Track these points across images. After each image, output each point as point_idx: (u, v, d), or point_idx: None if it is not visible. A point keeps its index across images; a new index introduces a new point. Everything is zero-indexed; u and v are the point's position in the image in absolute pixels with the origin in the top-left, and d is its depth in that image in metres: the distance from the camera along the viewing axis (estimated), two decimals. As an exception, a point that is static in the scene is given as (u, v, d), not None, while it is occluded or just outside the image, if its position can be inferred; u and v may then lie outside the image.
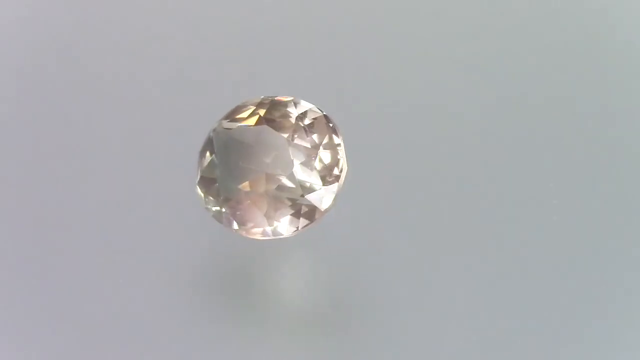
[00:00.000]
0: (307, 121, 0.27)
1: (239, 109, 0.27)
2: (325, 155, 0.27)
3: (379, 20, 0.35)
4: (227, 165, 0.26)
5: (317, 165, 0.26)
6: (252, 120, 0.26)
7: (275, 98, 0.27)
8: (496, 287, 0.28)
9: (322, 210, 0.27)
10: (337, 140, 0.27)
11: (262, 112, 0.27)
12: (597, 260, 0.28)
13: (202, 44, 0.34)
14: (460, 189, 0.30)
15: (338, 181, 0.27)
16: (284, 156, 0.26)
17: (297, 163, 0.26)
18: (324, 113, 0.27)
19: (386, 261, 0.28)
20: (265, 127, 0.26)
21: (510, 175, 0.30)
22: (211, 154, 0.27)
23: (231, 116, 0.27)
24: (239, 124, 0.26)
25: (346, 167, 0.27)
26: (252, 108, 0.27)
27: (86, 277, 0.28)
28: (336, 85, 0.32)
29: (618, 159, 0.30)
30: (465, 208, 0.29)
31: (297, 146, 0.26)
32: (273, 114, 0.27)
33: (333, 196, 0.27)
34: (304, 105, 0.27)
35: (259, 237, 0.27)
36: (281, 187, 0.26)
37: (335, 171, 0.27)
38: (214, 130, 0.27)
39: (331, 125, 0.27)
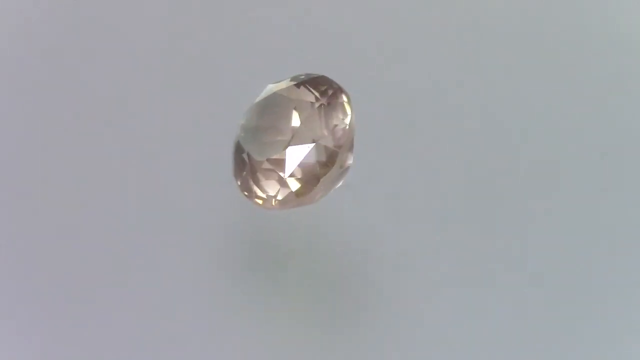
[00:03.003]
0: (339, 116, 0.27)
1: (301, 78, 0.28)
2: (342, 151, 0.27)
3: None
4: (258, 118, 0.27)
5: (330, 155, 0.27)
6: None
7: (334, 86, 0.27)
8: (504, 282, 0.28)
9: (312, 197, 0.27)
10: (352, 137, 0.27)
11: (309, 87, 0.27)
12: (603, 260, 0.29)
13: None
14: (467, 181, 0.30)
15: (341, 175, 0.27)
16: (309, 130, 0.27)
17: (315, 141, 0.27)
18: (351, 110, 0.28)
19: (386, 254, 0.28)
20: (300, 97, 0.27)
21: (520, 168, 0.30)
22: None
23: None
24: (287, 86, 0.27)
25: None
26: (305, 81, 0.27)
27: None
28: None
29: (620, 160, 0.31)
30: (473, 200, 0.30)
31: (320, 131, 0.27)
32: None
33: (331, 187, 0.27)
34: (345, 98, 0.27)
35: (248, 199, 0.27)
36: (282, 162, 0.27)
37: (343, 165, 0.27)
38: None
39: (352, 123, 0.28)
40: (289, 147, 0.26)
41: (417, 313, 0.27)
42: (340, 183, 0.28)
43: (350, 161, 0.27)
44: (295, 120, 0.27)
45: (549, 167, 0.30)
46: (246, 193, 0.27)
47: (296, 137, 0.27)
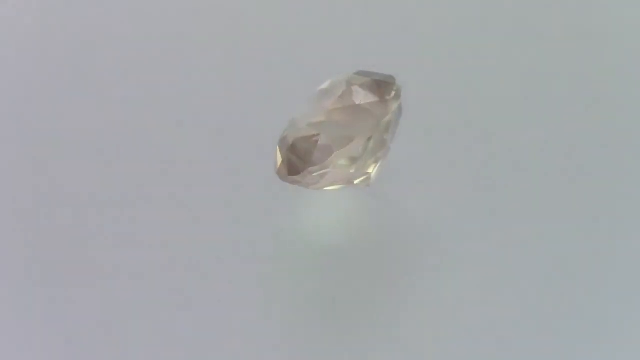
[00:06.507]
0: (374, 120, 0.27)
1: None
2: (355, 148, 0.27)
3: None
4: (323, 88, 0.28)
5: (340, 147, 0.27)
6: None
7: (393, 93, 0.28)
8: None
9: (313, 180, 0.27)
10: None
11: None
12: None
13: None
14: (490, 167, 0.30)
15: (355, 173, 0.28)
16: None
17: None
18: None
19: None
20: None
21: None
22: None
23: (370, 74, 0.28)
24: (359, 75, 0.28)
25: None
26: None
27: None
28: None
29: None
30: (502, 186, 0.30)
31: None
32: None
33: (342, 180, 0.28)
34: (392, 109, 0.28)
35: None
36: (291, 134, 0.27)
37: (349, 160, 0.27)
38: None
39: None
40: (307, 125, 0.27)
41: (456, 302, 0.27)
42: (362, 179, 0.28)
43: (362, 164, 0.28)
44: (334, 104, 0.27)
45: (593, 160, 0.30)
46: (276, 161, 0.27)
47: (323, 117, 0.27)
